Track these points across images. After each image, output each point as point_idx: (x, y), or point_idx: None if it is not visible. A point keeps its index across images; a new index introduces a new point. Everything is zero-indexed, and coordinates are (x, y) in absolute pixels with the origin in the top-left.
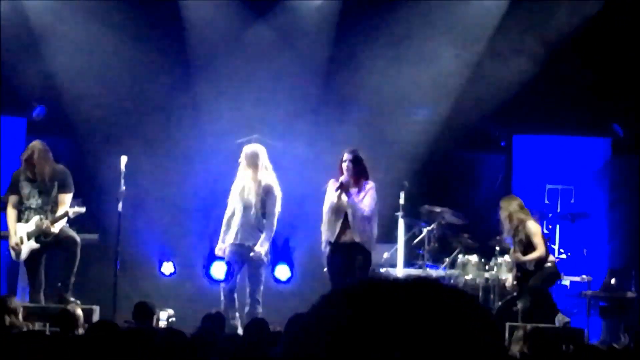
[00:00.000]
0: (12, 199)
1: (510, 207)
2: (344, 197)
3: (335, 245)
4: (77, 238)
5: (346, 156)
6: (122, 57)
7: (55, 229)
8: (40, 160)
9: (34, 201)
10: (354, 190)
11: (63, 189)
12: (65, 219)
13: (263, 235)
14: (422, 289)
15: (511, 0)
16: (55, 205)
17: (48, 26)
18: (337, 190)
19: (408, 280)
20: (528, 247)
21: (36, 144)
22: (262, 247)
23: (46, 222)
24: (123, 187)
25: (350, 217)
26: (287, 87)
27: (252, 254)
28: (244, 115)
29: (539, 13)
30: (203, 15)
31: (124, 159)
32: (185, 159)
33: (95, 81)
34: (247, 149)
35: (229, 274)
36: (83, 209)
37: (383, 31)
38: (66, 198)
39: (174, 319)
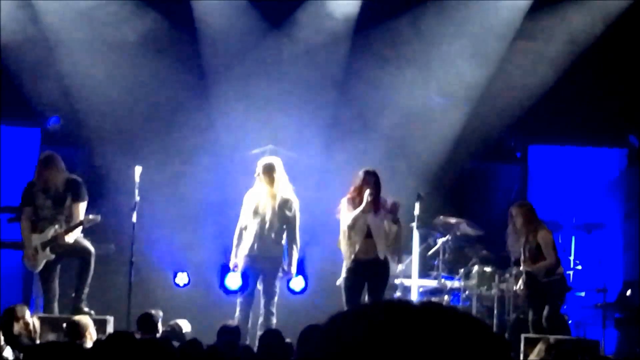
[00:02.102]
0: (27, 210)
1: (522, 213)
2: (368, 214)
3: (356, 263)
4: (92, 248)
5: (369, 177)
6: (138, 68)
7: (70, 238)
8: (53, 170)
9: (48, 211)
10: (374, 208)
11: (77, 198)
12: (80, 228)
13: (294, 255)
14: (435, 314)
15: (526, 12)
16: (69, 214)
17: (63, 37)
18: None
19: (421, 305)
20: (538, 256)
21: (48, 154)
22: (293, 267)
23: (60, 232)
24: (137, 198)
25: (373, 232)
26: (302, 98)
27: (281, 274)
28: (259, 126)
29: (554, 25)
30: (218, 27)
31: (138, 170)
32: (200, 169)
33: (110, 92)
34: (264, 161)
35: (245, 285)
36: (98, 217)
37: (399, 41)
38: (80, 207)
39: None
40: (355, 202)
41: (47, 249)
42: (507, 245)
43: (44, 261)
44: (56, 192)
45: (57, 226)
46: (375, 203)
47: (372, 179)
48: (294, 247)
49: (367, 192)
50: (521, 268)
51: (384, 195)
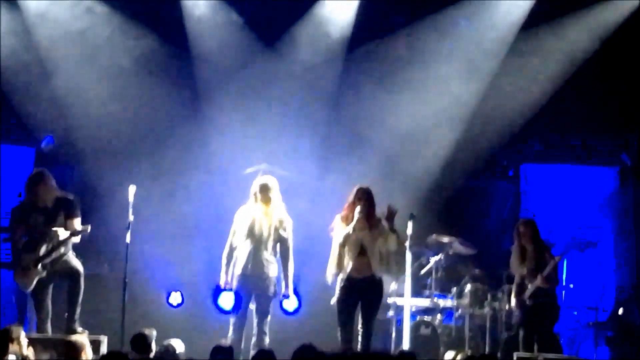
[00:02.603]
0: (19, 228)
1: (531, 229)
2: (359, 231)
3: (349, 281)
4: (81, 269)
5: (360, 194)
6: (131, 88)
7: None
8: (43, 187)
9: (40, 229)
10: (367, 225)
11: (71, 214)
12: (74, 238)
13: (290, 275)
14: None
15: (519, 30)
16: (76, 233)
17: (57, 58)
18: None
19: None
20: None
21: (38, 171)
22: (289, 287)
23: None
24: (131, 217)
25: (367, 250)
26: (296, 117)
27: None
28: (253, 145)
29: (547, 43)
30: (212, 46)
31: (132, 189)
32: (194, 188)
33: (104, 112)
34: (260, 180)
35: (238, 305)
36: (88, 227)
37: (393, 61)
38: (75, 223)
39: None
40: (348, 219)
41: (39, 266)
42: (511, 261)
43: (36, 279)
44: (47, 210)
45: (49, 245)
46: (369, 220)
47: (364, 196)
48: (289, 267)
49: (358, 208)
50: (537, 282)
51: (379, 214)
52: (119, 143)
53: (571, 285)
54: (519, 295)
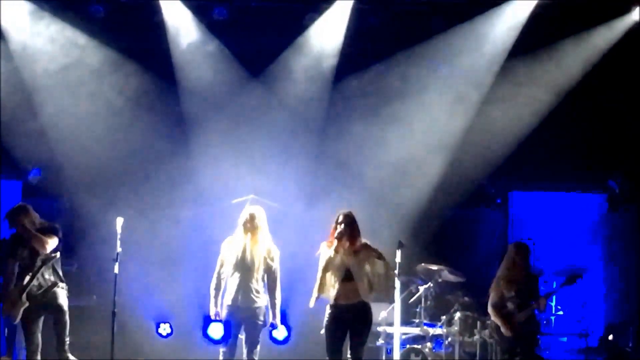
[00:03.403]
0: (10, 262)
1: (524, 252)
2: (344, 255)
3: (336, 308)
4: (65, 305)
5: (341, 218)
6: (119, 120)
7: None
8: (25, 218)
9: (27, 261)
10: (351, 249)
11: (47, 233)
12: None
13: (277, 305)
14: None
15: (505, 59)
16: (47, 260)
17: (44, 90)
18: (334, 247)
19: None
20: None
21: (19, 204)
22: (277, 317)
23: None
24: (119, 249)
25: (354, 275)
26: (283, 147)
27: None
28: (240, 176)
29: (534, 72)
30: (199, 78)
31: (120, 221)
32: (181, 220)
33: (91, 143)
34: (248, 211)
35: (227, 335)
36: (57, 255)
37: (379, 91)
38: (49, 242)
39: None
40: (332, 244)
41: (23, 296)
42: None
43: (22, 310)
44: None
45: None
46: (353, 243)
47: (345, 220)
48: (277, 296)
49: (337, 230)
50: (536, 308)
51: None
52: (106, 175)
53: (560, 312)
54: (507, 318)
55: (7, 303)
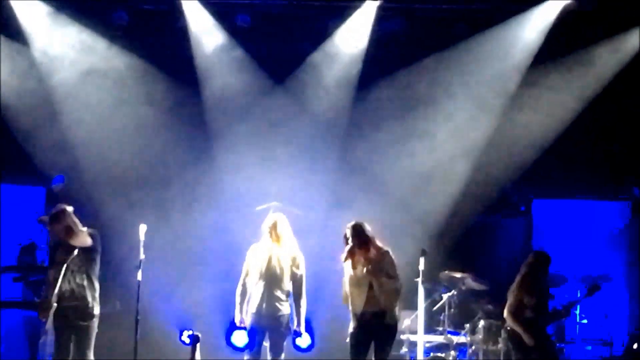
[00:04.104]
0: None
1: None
2: (362, 266)
3: (361, 316)
4: (96, 311)
5: (348, 232)
6: (142, 126)
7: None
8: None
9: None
10: (367, 259)
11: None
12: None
13: (302, 312)
14: None
15: (529, 66)
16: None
17: (67, 97)
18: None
19: None
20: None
21: (59, 209)
22: (302, 324)
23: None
24: (142, 256)
25: (375, 287)
26: (306, 154)
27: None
28: (263, 183)
29: (557, 79)
30: (222, 85)
31: (143, 228)
32: (205, 226)
33: (114, 150)
34: (272, 218)
35: (252, 343)
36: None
37: (402, 97)
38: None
39: None
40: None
41: (53, 297)
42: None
43: (51, 312)
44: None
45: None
46: (367, 252)
47: (351, 232)
48: (302, 304)
49: (348, 247)
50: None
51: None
52: (129, 181)
53: (584, 321)
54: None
55: (41, 307)
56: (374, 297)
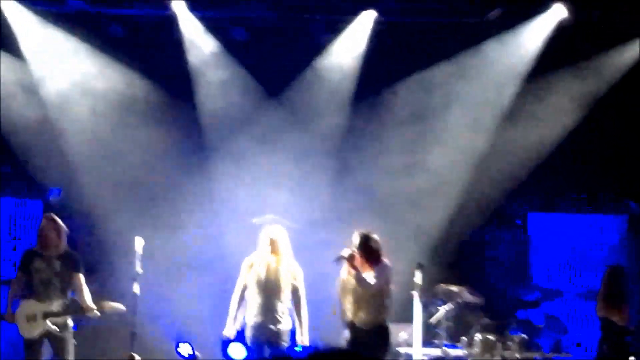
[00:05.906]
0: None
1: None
2: (351, 274)
3: (354, 329)
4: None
5: (354, 238)
6: (137, 139)
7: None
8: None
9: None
10: (365, 269)
11: (76, 269)
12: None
13: (304, 324)
14: None
15: (525, 79)
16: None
17: (63, 111)
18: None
19: None
20: None
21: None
22: (305, 336)
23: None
24: (139, 269)
25: (366, 297)
26: (300, 167)
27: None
28: (259, 196)
29: (553, 92)
30: (217, 97)
31: (139, 241)
32: (201, 238)
33: (110, 163)
34: (269, 232)
35: (251, 356)
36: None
37: (397, 111)
38: (80, 278)
39: None
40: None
41: (47, 320)
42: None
43: (40, 331)
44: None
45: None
46: (369, 263)
47: (356, 239)
48: (303, 316)
49: (345, 249)
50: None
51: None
52: (125, 194)
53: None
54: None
55: (22, 318)
56: (365, 307)
